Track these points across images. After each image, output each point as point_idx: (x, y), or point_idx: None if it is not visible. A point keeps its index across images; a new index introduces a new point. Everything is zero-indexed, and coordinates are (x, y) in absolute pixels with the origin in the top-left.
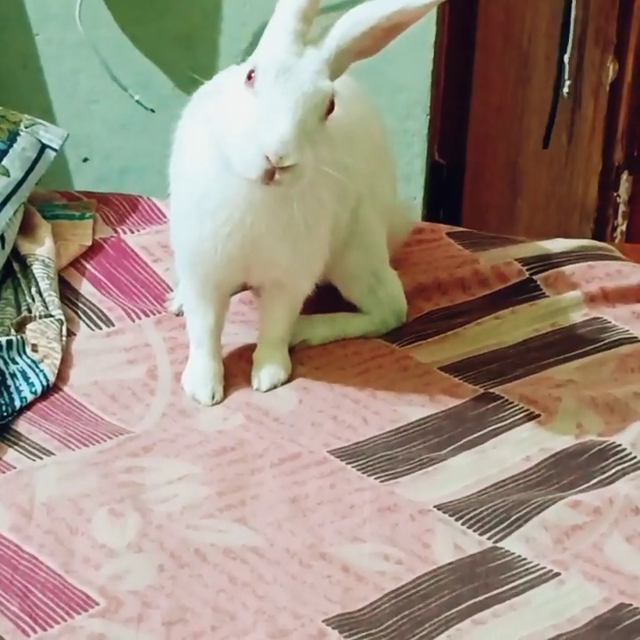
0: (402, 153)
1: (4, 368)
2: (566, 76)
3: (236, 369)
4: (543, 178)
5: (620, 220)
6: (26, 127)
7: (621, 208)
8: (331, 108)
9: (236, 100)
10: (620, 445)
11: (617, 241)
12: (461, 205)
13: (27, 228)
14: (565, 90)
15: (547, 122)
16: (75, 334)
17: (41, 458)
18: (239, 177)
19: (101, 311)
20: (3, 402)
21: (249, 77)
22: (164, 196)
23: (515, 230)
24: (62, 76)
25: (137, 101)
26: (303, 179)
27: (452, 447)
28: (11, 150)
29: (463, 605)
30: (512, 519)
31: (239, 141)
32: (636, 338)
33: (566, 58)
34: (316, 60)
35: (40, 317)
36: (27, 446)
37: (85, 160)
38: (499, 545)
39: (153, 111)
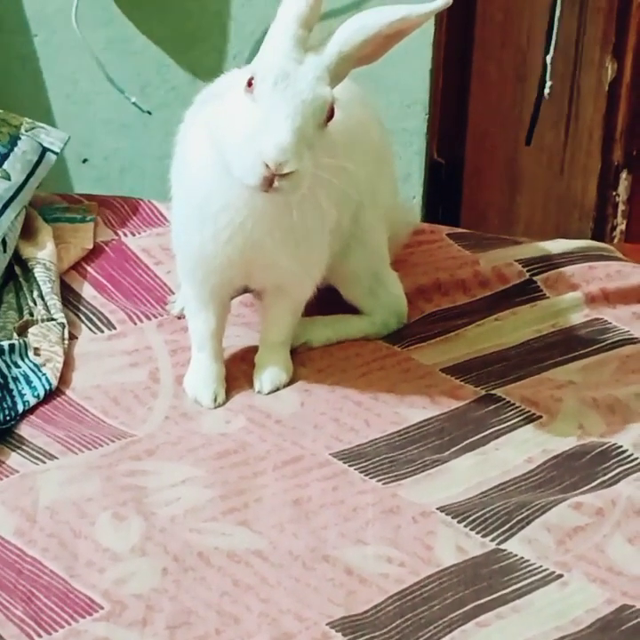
0: (400, 152)
1: (6, 372)
2: (548, 77)
3: (237, 371)
4: (542, 177)
5: (619, 219)
6: (26, 130)
7: (620, 207)
8: (331, 115)
9: (236, 106)
10: (621, 446)
11: (616, 240)
12: (460, 204)
13: (28, 232)
14: (547, 91)
15: (530, 120)
16: (77, 337)
17: (44, 462)
18: (239, 183)
19: (103, 314)
20: (5, 406)
21: (249, 84)
22: (165, 198)
23: (514, 229)
24: (61, 78)
25: (133, 103)
26: (302, 186)
27: (453, 449)
28: (11, 154)
29: (467, 608)
30: (514, 521)
31: (238, 148)
32: (636, 339)
33: (548, 59)
34: (317, 67)
35: (42, 321)
36: (29, 450)
37: (85, 161)
38: (501, 547)
39: (149, 113)
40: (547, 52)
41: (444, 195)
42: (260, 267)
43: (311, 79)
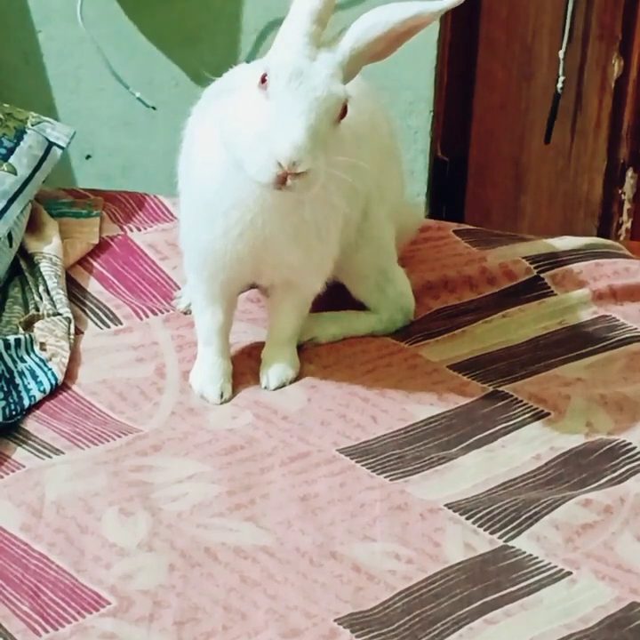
0: (405, 149)
1: (12, 367)
2: (560, 72)
3: (244, 367)
4: (547, 174)
5: (625, 217)
6: (32, 125)
7: (626, 205)
8: (344, 112)
9: (249, 103)
10: (630, 444)
11: (622, 238)
12: (464, 202)
13: (34, 226)
14: (559, 85)
15: (548, 117)
16: (82, 332)
17: (50, 457)
18: (251, 180)
19: (109, 309)
20: (11, 400)
21: (263, 80)
22: (170, 194)
23: (518, 227)
24: (64, 73)
25: (138, 98)
26: (316, 184)
27: (461, 446)
28: (18, 148)
29: (475, 605)
30: (523, 518)
31: (251, 145)
32: None
33: (561, 54)
34: (330, 64)
35: (48, 316)
36: (36, 445)
37: (88, 157)
38: (509, 544)
39: (154, 108)
40: (559, 47)
41: (448, 192)
42: (269, 263)
43: (325, 76)
